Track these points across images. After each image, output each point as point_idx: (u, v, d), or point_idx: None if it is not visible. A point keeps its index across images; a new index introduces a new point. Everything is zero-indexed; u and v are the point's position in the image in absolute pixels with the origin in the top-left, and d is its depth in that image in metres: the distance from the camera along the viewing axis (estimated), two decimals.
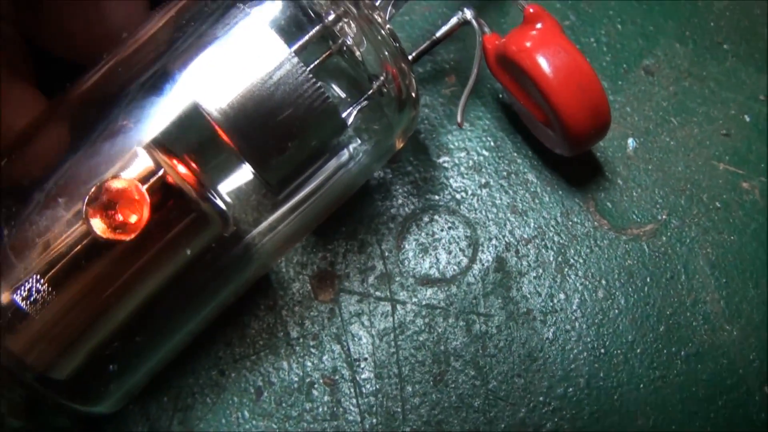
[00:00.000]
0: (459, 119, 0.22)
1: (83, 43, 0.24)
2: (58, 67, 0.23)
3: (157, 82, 0.22)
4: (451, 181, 0.26)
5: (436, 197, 0.26)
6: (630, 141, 0.27)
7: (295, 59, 0.20)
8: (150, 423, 0.23)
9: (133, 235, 0.19)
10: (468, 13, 0.24)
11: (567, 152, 0.24)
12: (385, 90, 0.22)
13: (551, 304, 0.24)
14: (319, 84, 0.20)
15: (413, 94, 0.22)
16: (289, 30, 0.22)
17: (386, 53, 0.21)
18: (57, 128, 0.22)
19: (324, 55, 0.22)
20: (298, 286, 0.25)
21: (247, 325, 0.24)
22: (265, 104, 0.20)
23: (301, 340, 0.24)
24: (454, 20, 0.24)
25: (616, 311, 0.24)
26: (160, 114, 0.21)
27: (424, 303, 0.24)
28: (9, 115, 0.23)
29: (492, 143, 0.26)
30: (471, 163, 0.26)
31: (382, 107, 0.22)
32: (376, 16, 0.22)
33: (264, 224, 0.23)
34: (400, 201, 0.26)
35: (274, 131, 0.20)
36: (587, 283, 0.25)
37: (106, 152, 0.21)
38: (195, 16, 0.22)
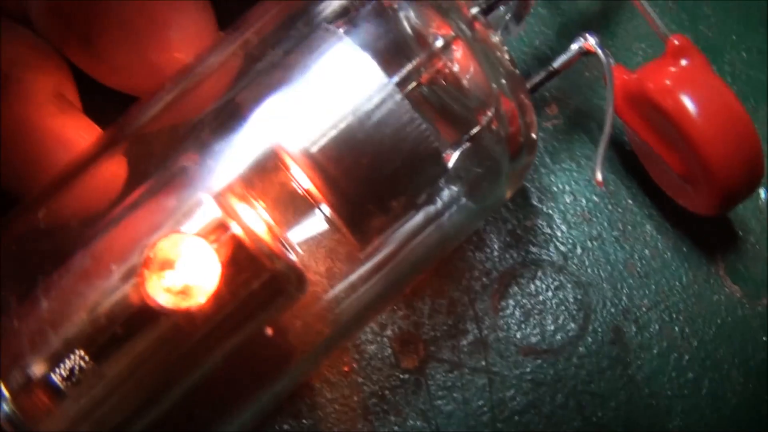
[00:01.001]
0: (598, 177, 0.18)
1: (142, 77, 0.23)
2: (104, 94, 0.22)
3: (227, 117, 0.19)
4: (557, 231, 0.23)
5: (540, 250, 0.23)
6: (762, 192, 0.24)
7: (399, 96, 0.17)
8: None
9: (196, 304, 0.16)
10: (592, 40, 0.20)
11: (711, 211, 0.20)
12: (494, 128, 0.19)
13: (677, 386, 0.22)
14: (425, 126, 0.17)
15: (533, 135, 0.18)
16: (382, 55, 0.18)
17: (503, 83, 0.18)
18: (113, 163, 0.20)
19: (414, 85, 0.18)
20: (376, 349, 0.22)
21: (318, 393, 0.22)
22: (363, 150, 0.17)
23: (380, 414, 0.21)
24: (574, 48, 0.20)
25: (754, 399, 0.21)
26: (231, 155, 0.18)
27: (527, 377, 0.22)
28: (60, 146, 0.22)
29: (604, 189, 0.23)
30: (579, 210, 0.24)
31: (488, 149, 0.19)
32: (493, 38, 0.18)
33: (343, 284, 0.20)
34: (496, 253, 0.23)
35: (372, 184, 0.17)
36: (719, 363, 0.22)
37: (165, 199, 0.18)
38: (273, 40, 0.19)
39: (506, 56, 0.19)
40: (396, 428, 0.21)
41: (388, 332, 0.22)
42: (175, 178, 0.18)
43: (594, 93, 0.25)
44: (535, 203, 0.23)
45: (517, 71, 0.19)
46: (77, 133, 0.22)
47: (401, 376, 0.22)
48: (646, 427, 0.21)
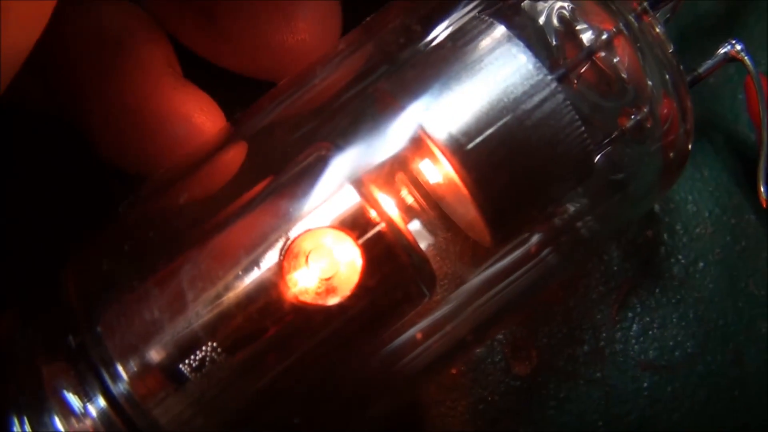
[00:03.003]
0: (764, 195, 0.18)
1: (267, 59, 0.23)
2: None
3: (368, 105, 0.18)
4: (678, 243, 0.23)
5: (660, 262, 0.23)
6: None
7: (561, 96, 0.16)
8: None
9: (336, 300, 0.16)
10: (738, 46, 0.19)
11: None
12: (648, 126, 0.18)
13: None
14: (583, 129, 0.16)
15: (690, 146, 0.18)
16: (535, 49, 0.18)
17: (668, 79, 0.18)
18: (236, 148, 0.20)
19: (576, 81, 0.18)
20: (486, 353, 0.22)
21: (423, 392, 0.22)
22: (518, 151, 0.17)
23: (489, 420, 0.22)
24: (721, 53, 0.20)
25: None
26: (372, 144, 0.17)
27: (644, 393, 0.22)
28: (180, 120, 0.22)
29: (728, 201, 0.23)
30: (701, 222, 0.24)
31: (632, 156, 0.18)
32: (658, 31, 0.18)
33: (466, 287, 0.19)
34: (615, 263, 0.22)
35: (523, 184, 0.17)
36: None
37: (302, 188, 0.17)
38: (417, 30, 0.19)
39: (670, 48, 0.18)
40: None
41: (500, 336, 0.22)
42: (312, 166, 0.17)
43: (716, 100, 0.24)
44: (656, 212, 0.23)
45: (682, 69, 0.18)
46: (197, 106, 0.22)
47: (512, 382, 0.22)
48: None
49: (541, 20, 0.20)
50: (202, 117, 0.22)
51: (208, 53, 0.24)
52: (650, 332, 0.22)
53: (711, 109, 0.24)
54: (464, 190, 0.17)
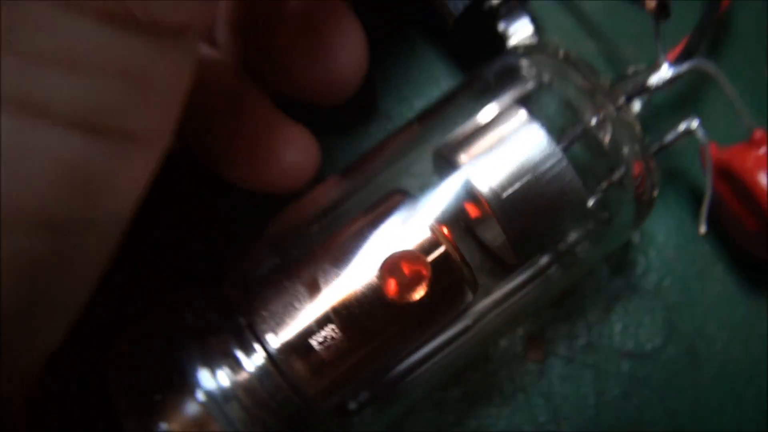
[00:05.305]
0: (702, 230, 0.25)
1: (319, 88, 0.26)
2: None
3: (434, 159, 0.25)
4: (652, 265, 0.29)
5: (639, 279, 0.29)
6: None
7: (565, 163, 0.23)
8: None
9: (415, 297, 0.22)
10: (695, 123, 0.26)
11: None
12: (625, 181, 0.24)
13: (730, 389, 0.28)
14: (580, 183, 0.23)
15: (655, 194, 0.24)
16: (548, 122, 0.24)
17: (638, 149, 0.24)
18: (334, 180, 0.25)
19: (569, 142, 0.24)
20: (509, 344, 0.28)
21: (461, 372, 0.28)
22: (536, 199, 0.22)
23: (511, 392, 0.27)
24: (683, 128, 0.26)
25: None
26: (438, 189, 0.23)
27: (624, 374, 0.28)
28: (296, 158, 0.25)
29: (688, 233, 0.29)
30: (670, 249, 0.29)
31: (614, 202, 0.25)
32: (632, 116, 0.24)
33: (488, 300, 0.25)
34: (604, 278, 0.29)
35: (539, 222, 0.23)
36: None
37: (391, 221, 0.23)
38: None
39: (639, 129, 0.24)
40: (522, 404, 0.27)
41: (520, 332, 0.28)
42: (397, 204, 0.23)
43: (681, 157, 0.30)
44: (635, 241, 0.29)
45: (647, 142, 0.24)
46: (299, 136, 0.25)
47: (528, 366, 0.28)
48: (710, 410, 0.27)
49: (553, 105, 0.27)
50: (302, 148, 0.25)
51: (270, 82, 0.26)
52: (629, 330, 0.28)
53: (678, 162, 0.30)
54: (498, 225, 0.22)
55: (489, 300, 0.25)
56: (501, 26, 0.27)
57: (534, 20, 0.27)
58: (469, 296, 0.23)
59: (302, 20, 0.25)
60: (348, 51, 0.25)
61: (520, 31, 0.27)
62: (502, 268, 0.25)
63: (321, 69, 0.25)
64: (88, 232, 0.18)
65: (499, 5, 0.27)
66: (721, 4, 0.27)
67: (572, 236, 0.25)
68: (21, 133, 0.16)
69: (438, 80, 0.30)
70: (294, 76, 0.25)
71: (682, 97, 0.30)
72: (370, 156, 0.25)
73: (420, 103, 0.30)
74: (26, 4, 0.15)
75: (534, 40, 0.27)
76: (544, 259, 0.25)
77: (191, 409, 0.21)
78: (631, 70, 0.26)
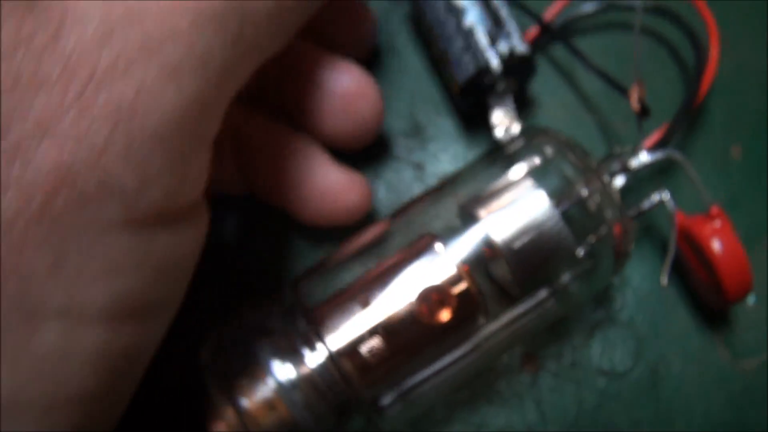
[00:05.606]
0: (664, 281, 0.31)
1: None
2: None
3: (460, 213, 0.31)
4: (628, 301, 0.33)
5: (616, 312, 0.33)
6: (751, 298, 0.34)
7: (562, 223, 0.27)
8: None
9: (443, 320, 0.26)
10: (666, 195, 0.30)
11: (717, 306, 0.33)
12: (607, 238, 0.28)
13: (683, 407, 0.33)
14: (572, 237, 0.28)
15: (630, 249, 0.29)
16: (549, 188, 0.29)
17: (617, 214, 0.28)
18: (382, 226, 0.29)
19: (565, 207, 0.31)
20: (508, 358, 0.33)
21: (470, 379, 0.33)
22: (539, 249, 0.27)
23: (507, 397, 0.32)
24: (656, 198, 0.30)
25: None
26: (463, 236, 0.28)
27: (600, 387, 0.32)
28: (354, 201, 0.28)
29: (657, 279, 0.35)
30: (643, 289, 0.33)
31: (598, 253, 0.31)
32: (613, 188, 0.29)
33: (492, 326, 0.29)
34: (588, 311, 0.33)
35: (541, 266, 0.27)
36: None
37: (424, 260, 0.27)
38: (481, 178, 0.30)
39: (619, 199, 0.28)
40: (517, 407, 0.31)
41: (519, 350, 0.32)
42: (427, 244, 0.27)
43: (657, 218, 0.34)
44: (615, 283, 0.34)
45: (624, 208, 0.28)
46: (351, 180, 0.28)
47: (523, 377, 0.32)
48: (667, 421, 0.32)
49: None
50: (355, 189, 0.28)
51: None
52: (606, 353, 0.32)
53: (653, 221, 0.34)
54: (507, 266, 0.26)
55: (496, 324, 0.28)
56: (492, 116, 0.32)
57: (519, 106, 0.32)
58: (482, 321, 0.27)
59: (309, 80, 0.27)
60: (364, 104, 0.28)
61: (502, 124, 0.32)
62: (508, 299, 0.28)
63: (338, 124, 0.28)
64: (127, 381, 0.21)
65: (489, 94, 0.32)
66: (696, 100, 0.34)
67: (565, 277, 0.28)
68: (64, 336, 0.17)
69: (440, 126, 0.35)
70: (311, 131, 0.28)
71: (660, 169, 0.35)
72: (410, 204, 0.30)
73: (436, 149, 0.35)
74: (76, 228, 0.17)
75: (515, 132, 0.31)
76: (542, 294, 0.29)
77: (265, 392, 0.25)
78: (617, 150, 0.31)
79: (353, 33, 0.30)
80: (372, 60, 0.34)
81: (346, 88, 0.27)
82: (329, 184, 0.28)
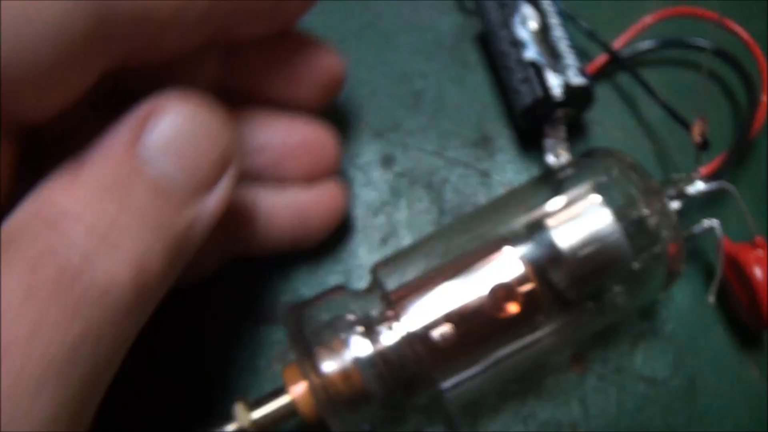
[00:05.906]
0: (711, 299, 0.34)
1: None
2: None
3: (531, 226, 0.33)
4: (672, 315, 0.36)
5: (661, 325, 0.35)
6: None
7: (623, 238, 0.29)
8: None
9: (506, 315, 0.29)
10: (715, 222, 0.33)
11: (754, 327, 0.35)
12: (662, 256, 0.31)
13: (717, 416, 0.36)
14: (630, 251, 0.31)
15: (682, 268, 0.32)
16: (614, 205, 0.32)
17: (673, 234, 0.30)
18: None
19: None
20: (558, 357, 0.35)
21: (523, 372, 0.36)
22: (601, 258, 0.29)
23: (554, 393, 0.34)
24: (706, 224, 0.33)
25: None
26: (531, 242, 0.31)
27: (639, 392, 0.34)
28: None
29: (701, 300, 0.37)
30: (684, 306, 0.36)
31: (657, 266, 0.31)
32: (670, 210, 0.31)
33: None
34: (634, 320, 0.36)
35: (600, 275, 0.31)
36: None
37: (498, 260, 0.30)
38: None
39: (676, 221, 0.30)
40: (563, 403, 0.33)
41: (568, 350, 0.34)
42: (498, 247, 0.30)
43: (705, 243, 0.36)
44: (660, 298, 0.37)
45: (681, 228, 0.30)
46: None
47: (570, 376, 0.34)
48: (699, 427, 0.34)
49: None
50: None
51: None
52: (648, 361, 0.34)
53: (700, 245, 0.36)
54: (568, 272, 0.29)
55: (553, 324, 0.30)
56: (545, 142, 0.35)
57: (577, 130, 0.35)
58: (541, 319, 0.30)
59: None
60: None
61: (552, 150, 0.35)
62: (565, 303, 0.30)
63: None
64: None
65: (545, 122, 0.35)
66: (748, 137, 0.37)
67: (618, 288, 0.30)
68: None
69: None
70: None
71: (708, 197, 0.37)
72: (481, 209, 0.33)
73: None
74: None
75: (564, 159, 0.34)
76: (594, 302, 0.31)
77: (344, 362, 0.28)
78: (675, 177, 0.33)
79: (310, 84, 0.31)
80: (445, 74, 0.37)
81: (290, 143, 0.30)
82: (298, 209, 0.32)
